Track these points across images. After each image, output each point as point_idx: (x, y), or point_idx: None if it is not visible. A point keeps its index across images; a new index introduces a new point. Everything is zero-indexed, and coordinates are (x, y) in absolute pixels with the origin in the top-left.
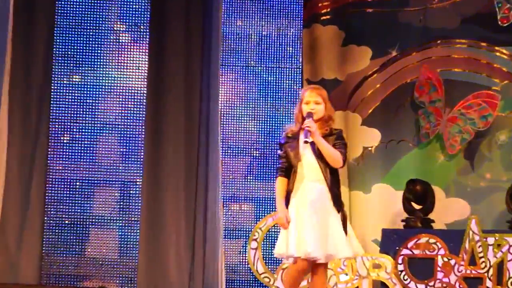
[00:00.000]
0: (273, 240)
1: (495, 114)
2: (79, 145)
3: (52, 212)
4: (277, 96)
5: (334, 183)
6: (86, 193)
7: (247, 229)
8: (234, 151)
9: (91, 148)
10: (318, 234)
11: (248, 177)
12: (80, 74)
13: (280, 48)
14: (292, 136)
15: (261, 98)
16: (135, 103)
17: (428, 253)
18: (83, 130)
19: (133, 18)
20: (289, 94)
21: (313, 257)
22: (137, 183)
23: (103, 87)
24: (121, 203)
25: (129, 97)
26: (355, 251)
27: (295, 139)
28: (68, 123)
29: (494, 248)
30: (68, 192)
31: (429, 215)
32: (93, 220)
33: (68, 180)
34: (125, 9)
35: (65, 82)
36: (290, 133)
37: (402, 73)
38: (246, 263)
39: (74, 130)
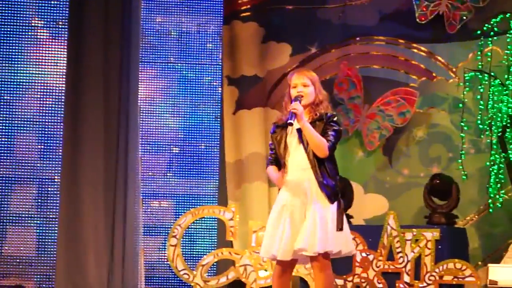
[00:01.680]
0: (192, 237)
1: (413, 110)
2: None
3: None
4: (197, 93)
5: (323, 172)
6: (3, 190)
7: (166, 226)
8: (153, 148)
9: (9, 145)
10: (291, 231)
11: (168, 174)
12: None
13: (200, 45)
14: (281, 126)
15: (181, 95)
16: (53, 100)
17: None
18: (0, 127)
19: (52, 14)
20: (209, 91)
21: (274, 255)
22: (55, 180)
23: (21, 83)
24: (39, 200)
25: (47, 94)
26: (342, 248)
27: (284, 128)
28: None
29: (412, 243)
30: None
31: (348, 211)
32: (11, 218)
33: None
34: (43, 4)
35: None
36: (279, 122)
37: (321, 70)
38: (166, 260)
39: None
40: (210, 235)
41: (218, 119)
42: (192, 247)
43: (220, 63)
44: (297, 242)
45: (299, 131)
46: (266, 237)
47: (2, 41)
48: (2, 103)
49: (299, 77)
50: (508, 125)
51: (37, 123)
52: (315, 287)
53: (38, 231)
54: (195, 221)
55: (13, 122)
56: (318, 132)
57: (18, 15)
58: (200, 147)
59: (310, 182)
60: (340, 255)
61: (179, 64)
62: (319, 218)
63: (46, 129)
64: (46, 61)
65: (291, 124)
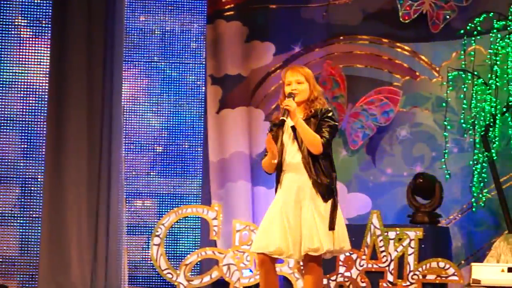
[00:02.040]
0: (176, 236)
1: (396, 109)
2: None
3: None
4: (180, 92)
5: (318, 171)
6: None
7: (150, 225)
8: (137, 147)
9: None
10: (287, 230)
11: (151, 173)
12: None
13: (184, 44)
14: (278, 124)
15: (165, 94)
16: (37, 98)
17: None
18: None
19: (35, 12)
20: (193, 90)
21: (271, 251)
22: (39, 179)
23: (4, 82)
24: (22, 200)
25: (30, 93)
26: (335, 245)
27: (281, 127)
28: None
29: (395, 242)
30: None
31: None
32: None
33: None
34: (26, 3)
35: None
36: (276, 121)
37: None
38: (149, 259)
39: None
40: (194, 234)
41: (202, 118)
42: (175, 247)
43: (203, 62)
44: (312, 242)
45: (294, 128)
46: (261, 233)
47: None
48: None
49: (292, 74)
50: (491, 124)
51: (20, 122)
52: (304, 285)
53: (21, 230)
54: (178, 221)
55: None
56: (313, 128)
57: (1, 14)
58: (183, 146)
59: (304, 180)
60: (334, 254)
61: (162, 63)
62: (317, 217)
63: (29, 128)
64: (29, 60)
65: (283, 121)
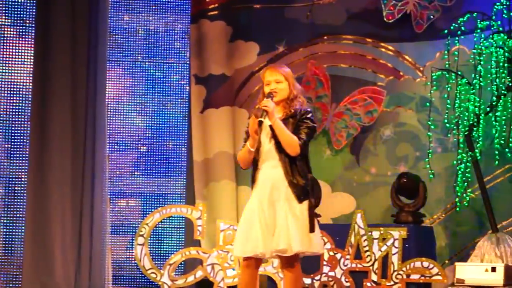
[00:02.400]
0: (160, 236)
1: (380, 109)
2: None
3: None
4: (164, 91)
5: (294, 171)
6: None
7: (134, 225)
8: (121, 147)
9: None
10: (263, 229)
11: (135, 173)
12: None
13: (168, 44)
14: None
15: (149, 93)
16: (20, 98)
17: None
18: None
19: (19, 12)
20: (177, 90)
21: (258, 254)
22: (22, 179)
23: None
24: (6, 199)
25: (14, 92)
26: (309, 248)
27: (260, 125)
28: None
29: (379, 241)
30: None
31: (315, 210)
32: None
33: None
34: (10, 3)
35: None
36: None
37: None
38: (133, 259)
39: None
40: (178, 234)
41: (186, 118)
42: (159, 246)
43: (187, 62)
44: (278, 243)
45: (272, 128)
46: (240, 236)
47: None
48: None
49: (271, 74)
50: (475, 124)
51: (4, 121)
52: (284, 285)
53: (4, 230)
54: (162, 220)
55: None
56: (291, 128)
57: None
58: (167, 146)
59: (279, 179)
60: (308, 255)
61: (146, 63)
62: (291, 218)
63: (13, 128)
64: (13, 59)
65: (261, 122)
